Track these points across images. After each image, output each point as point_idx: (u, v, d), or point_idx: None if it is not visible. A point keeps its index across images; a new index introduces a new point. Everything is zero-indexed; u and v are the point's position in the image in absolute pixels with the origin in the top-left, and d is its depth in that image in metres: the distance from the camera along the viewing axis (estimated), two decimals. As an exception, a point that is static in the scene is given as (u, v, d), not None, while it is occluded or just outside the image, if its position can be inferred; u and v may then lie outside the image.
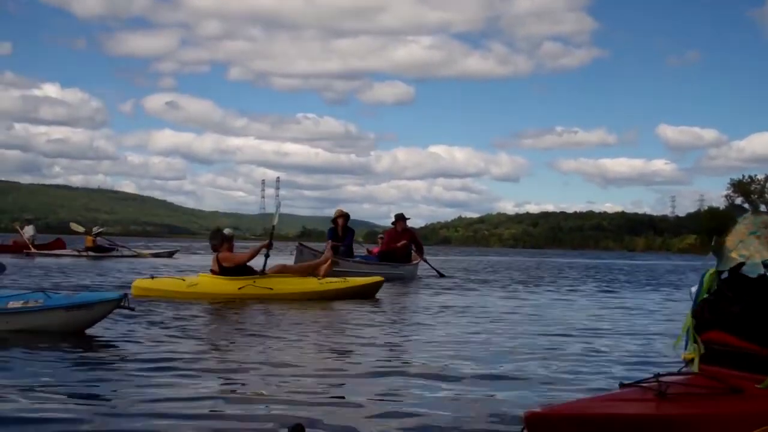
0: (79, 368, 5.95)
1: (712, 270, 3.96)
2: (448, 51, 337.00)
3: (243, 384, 5.58)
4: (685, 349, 3.94)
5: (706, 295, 3.90)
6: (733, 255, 3.89)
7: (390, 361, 6.75)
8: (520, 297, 14.86)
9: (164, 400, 4.94)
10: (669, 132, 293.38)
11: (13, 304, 7.42)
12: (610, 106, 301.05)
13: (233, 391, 5.33)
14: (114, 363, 6.32)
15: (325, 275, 13.01)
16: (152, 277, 12.68)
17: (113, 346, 7.17)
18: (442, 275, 21.26)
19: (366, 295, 13.10)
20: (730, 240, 3.95)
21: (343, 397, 5.21)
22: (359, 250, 22.06)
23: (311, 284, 12.66)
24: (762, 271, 3.76)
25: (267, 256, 12.62)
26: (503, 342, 8.11)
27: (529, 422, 3.18)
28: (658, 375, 3.64)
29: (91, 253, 28.17)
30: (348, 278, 13.58)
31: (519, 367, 6.51)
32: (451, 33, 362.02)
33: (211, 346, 7.39)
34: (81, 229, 30.69)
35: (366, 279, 13.84)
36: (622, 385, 3.64)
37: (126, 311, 7.94)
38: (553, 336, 8.72)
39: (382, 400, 5.15)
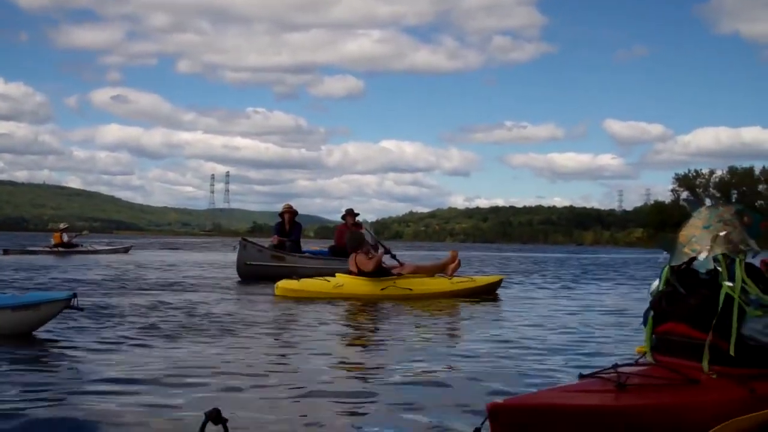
0: (20, 370, 5.76)
1: (668, 265, 4.04)
2: (398, 45, 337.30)
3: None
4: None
5: (663, 288, 3.99)
6: (686, 250, 3.98)
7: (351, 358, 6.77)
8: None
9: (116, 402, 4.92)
10: (616, 127, 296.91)
11: None
12: (558, 100, 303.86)
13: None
14: (58, 364, 6.19)
15: (453, 274, 13.17)
16: (298, 279, 12.80)
17: (58, 348, 6.88)
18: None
19: (490, 292, 13.30)
20: (684, 235, 4.03)
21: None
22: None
23: (444, 284, 12.79)
24: (711, 266, 3.85)
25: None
26: (463, 336, 8.17)
27: (492, 413, 3.22)
28: (616, 365, 3.72)
29: (60, 249, 28.25)
30: (475, 277, 13.94)
31: (481, 360, 6.59)
32: (402, 27, 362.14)
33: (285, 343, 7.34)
34: (63, 225, 31.13)
35: (491, 278, 14.17)
36: (581, 376, 3.72)
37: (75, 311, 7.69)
38: (512, 329, 8.86)
39: (348, 400, 5.18)
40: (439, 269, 13.29)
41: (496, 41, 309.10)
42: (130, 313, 9.47)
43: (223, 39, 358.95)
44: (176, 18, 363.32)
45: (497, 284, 13.82)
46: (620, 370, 3.63)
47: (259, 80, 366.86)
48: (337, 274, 12.76)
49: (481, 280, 13.78)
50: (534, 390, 4.15)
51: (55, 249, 28.20)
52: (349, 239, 12.82)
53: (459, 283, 13.02)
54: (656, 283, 4.07)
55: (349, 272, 12.48)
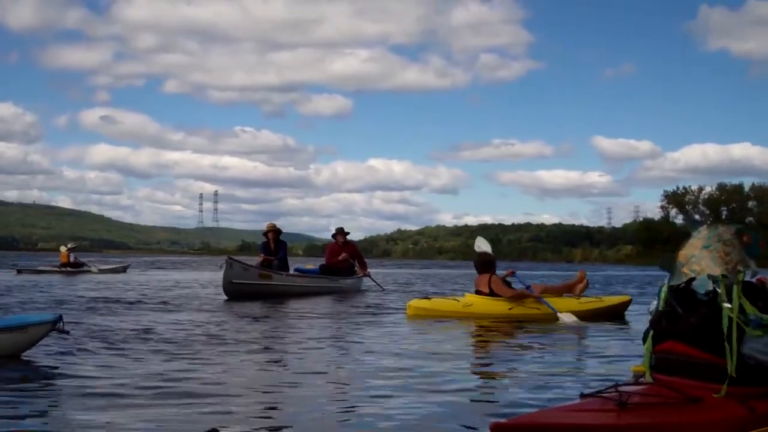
0: (6, 392, 5.66)
1: (667, 284, 4.04)
2: (385, 63, 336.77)
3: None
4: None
5: (662, 307, 3.99)
6: (685, 270, 3.98)
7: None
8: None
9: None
10: (604, 144, 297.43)
11: None
12: (546, 118, 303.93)
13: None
14: (46, 385, 6.14)
15: (581, 294, 13.11)
16: (428, 298, 12.95)
17: (46, 369, 6.81)
18: (383, 289, 21.09)
19: (618, 313, 13.15)
20: (683, 254, 4.04)
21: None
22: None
23: (572, 304, 12.64)
24: (710, 287, 3.86)
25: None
26: (461, 355, 8.17)
27: None
28: (617, 384, 3.72)
29: (69, 269, 28.79)
30: (603, 298, 13.82)
31: (480, 379, 6.59)
32: (389, 45, 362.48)
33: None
34: (71, 245, 31.66)
35: (619, 298, 13.99)
36: (582, 396, 3.71)
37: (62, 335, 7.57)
38: (509, 348, 8.88)
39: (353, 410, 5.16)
40: (567, 289, 13.26)
41: (484, 59, 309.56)
42: (122, 332, 9.42)
43: (210, 59, 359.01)
44: (163, 38, 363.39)
45: (626, 305, 13.62)
46: (621, 389, 3.62)
47: (246, 99, 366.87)
48: (466, 294, 12.91)
49: (609, 300, 13.64)
50: (535, 410, 4.15)
51: (63, 269, 28.81)
52: (480, 261, 12.84)
53: (587, 303, 12.93)
54: (655, 302, 4.07)
55: (478, 292, 12.54)
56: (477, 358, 8.47)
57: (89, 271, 29.77)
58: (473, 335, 10.58)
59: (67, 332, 7.49)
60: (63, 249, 30.49)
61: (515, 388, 6.29)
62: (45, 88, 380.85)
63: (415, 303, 12.81)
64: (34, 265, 33.11)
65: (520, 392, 6.04)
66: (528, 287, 12.69)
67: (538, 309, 12.28)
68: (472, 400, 5.67)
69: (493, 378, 6.69)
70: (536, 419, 3.38)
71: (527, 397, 5.79)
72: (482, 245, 13.65)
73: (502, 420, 3.36)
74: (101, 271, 30.42)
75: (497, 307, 12.27)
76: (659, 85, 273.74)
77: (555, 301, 12.57)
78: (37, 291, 17.29)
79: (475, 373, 6.92)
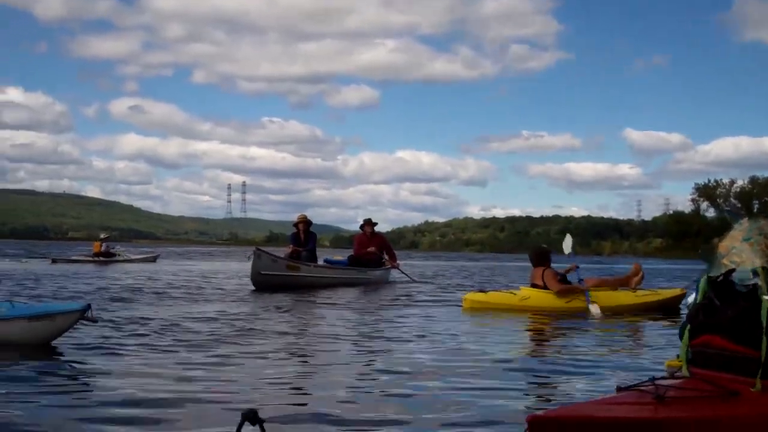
0: (36, 381, 5.68)
1: (706, 276, 3.98)
2: (413, 54, 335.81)
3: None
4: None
5: (700, 300, 3.93)
6: (725, 261, 3.92)
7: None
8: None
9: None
10: (634, 136, 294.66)
11: None
12: (576, 109, 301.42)
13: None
14: (78, 373, 6.18)
15: (637, 287, 13.06)
16: (484, 291, 13.04)
17: (76, 361, 6.71)
18: (414, 281, 21.07)
19: (673, 306, 12.91)
20: (724, 246, 3.98)
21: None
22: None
23: (628, 297, 12.68)
24: (750, 279, 3.79)
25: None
26: (495, 347, 8.12)
27: (532, 425, 3.23)
28: (654, 378, 3.66)
29: (101, 258, 29.49)
30: (659, 290, 13.72)
31: (518, 371, 6.56)
32: (417, 36, 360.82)
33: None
34: (104, 235, 32.79)
35: (674, 291, 13.77)
36: (619, 389, 3.66)
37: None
38: (553, 342, 8.89)
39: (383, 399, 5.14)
40: (623, 283, 13.23)
41: (513, 50, 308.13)
42: (150, 322, 9.48)
43: (238, 49, 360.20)
44: (192, 28, 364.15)
45: (681, 298, 13.35)
46: (658, 382, 3.58)
47: (273, 90, 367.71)
48: (521, 288, 12.89)
49: (665, 293, 13.51)
50: (572, 403, 4.19)
51: (96, 258, 29.56)
52: (535, 254, 12.85)
53: (643, 296, 12.87)
54: (693, 296, 4.01)
55: (534, 285, 12.53)
56: (520, 350, 8.37)
57: (121, 261, 30.33)
58: (518, 329, 10.48)
59: (96, 321, 7.51)
60: (99, 238, 31.50)
61: (553, 380, 6.25)
62: (74, 77, 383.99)
63: (471, 296, 12.76)
64: (68, 255, 33.77)
65: (557, 385, 6.00)
66: (580, 280, 12.61)
67: (595, 303, 12.09)
68: (508, 393, 5.62)
69: (532, 370, 6.63)
70: (573, 412, 3.35)
71: (564, 390, 5.76)
72: (567, 242, 13.73)
73: (539, 412, 3.35)
74: (132, 261, 31.03)
75: (553, 300, 12.19)
76: (691, 76, 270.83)
77: (611, 294, 12.54)
78: (70, 280, 17.44)
79: (513, 365, 6.85)
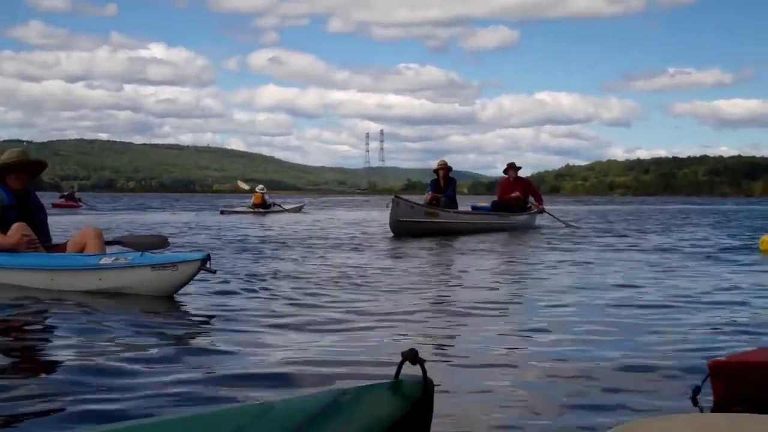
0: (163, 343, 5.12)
1: None
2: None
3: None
4: None
5: None
6: None
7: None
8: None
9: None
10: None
11: (105, 261, 7.03)
12: (724, 43, 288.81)
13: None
14: (221, 320, 5.76)
15: None
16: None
17: (202, 314, 6.25)
18: (568, 225, 20.08)
19: None
20: None
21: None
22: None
23: None
24: None
25: None
26: (660, 291, 7.34)
27: (714, 370, 3.26)
28: None
29: (260, 210, 31.20)
30: None
31: (695, 315, 5.97)
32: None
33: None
34: (247, 186, 35.46)
35: None
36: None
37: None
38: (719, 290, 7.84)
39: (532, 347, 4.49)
40: None
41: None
42: (295, 268, 9.24)
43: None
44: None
45: None
46: None
47: (409, 35, 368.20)
48: None
49: None
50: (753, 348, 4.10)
51: (256, 210, 31.41)
52: None
53: None
54: None
55: None
56: (714, 294, 7.46)
57: (277, 212, 32.19)
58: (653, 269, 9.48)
59: (214, 272, 7.15)
60: (257, 190, 33.27)
61: (736, 328, 5.52)
62: (214, 32, 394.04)
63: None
64: (234, 206, 35.83)
65: (737, 335, 5.26)
66: None
67: None
68: (688, 341, 4.94)
69: (714, 319, 5.83)
70: (756, 357, 3.37)
71: (745, 339, 5.09)
72: None
73: (721, 357, 3.40)
74: (285, 212, 32.88)
75: None
76: None
77: None
78: (228, 230, 17.88)
79: (696, 314, 6.07)
